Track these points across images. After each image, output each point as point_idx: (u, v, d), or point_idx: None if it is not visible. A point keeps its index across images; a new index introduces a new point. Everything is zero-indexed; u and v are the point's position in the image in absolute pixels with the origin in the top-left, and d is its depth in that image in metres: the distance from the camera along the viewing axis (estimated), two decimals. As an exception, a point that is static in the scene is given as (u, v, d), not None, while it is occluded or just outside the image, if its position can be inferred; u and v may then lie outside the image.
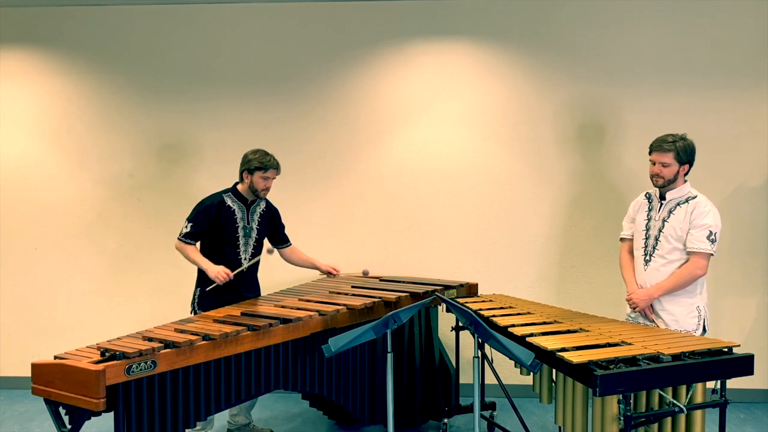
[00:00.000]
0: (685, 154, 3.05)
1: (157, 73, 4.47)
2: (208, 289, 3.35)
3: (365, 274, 3.95)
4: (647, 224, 3.19)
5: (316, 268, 3.85)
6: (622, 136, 4.25)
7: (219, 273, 3.28)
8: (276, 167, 3.45)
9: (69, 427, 2.40)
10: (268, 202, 3.63)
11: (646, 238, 3.18)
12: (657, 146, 3.09)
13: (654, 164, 3.10)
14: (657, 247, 3.12)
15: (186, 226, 3.36)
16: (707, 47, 4.19)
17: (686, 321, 3.03)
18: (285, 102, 4.43)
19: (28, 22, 4.49)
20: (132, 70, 4.47)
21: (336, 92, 4.41)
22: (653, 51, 4.22)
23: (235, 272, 3.35)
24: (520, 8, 4.28)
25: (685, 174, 3.11)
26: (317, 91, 4.41)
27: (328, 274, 3.87)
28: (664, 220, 3.10)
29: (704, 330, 3.06)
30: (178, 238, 3.38)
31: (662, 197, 3.14)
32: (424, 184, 4.39)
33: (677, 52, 4.21)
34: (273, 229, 3.68)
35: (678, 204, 3.07)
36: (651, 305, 3.14)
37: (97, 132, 4.50)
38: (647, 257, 3.17)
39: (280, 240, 3.75)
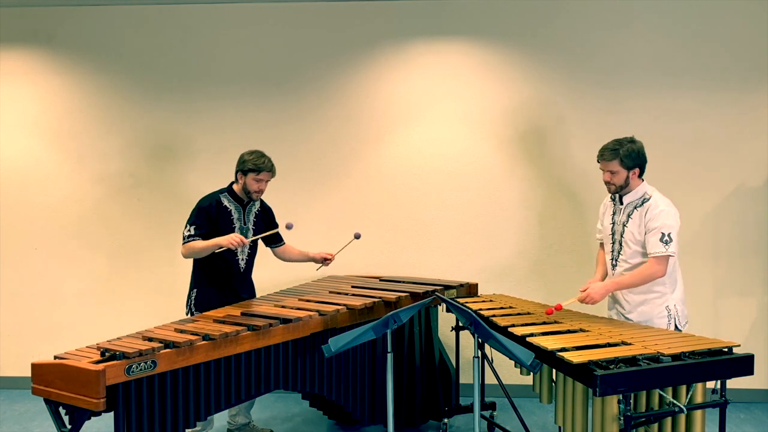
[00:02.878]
0: (630, 159, 3.00)
1: (157, 72, 4.47)
2: (218, 250, 3.25)
3: (357, 236, 3.79)
4: (612, 228, 3.18)
5: (310, 258, 3.77)
6: (620, 136, 4.24)
7: (232, 238, 3.21)
8: (270, 169, 3.42)
9: (69, 427, 2.40)
10: (262, 202, 3.62)
11: (612, 243, 3.17)
12: (600, 155, 3.07)
13: (604, 172, 3.08)
14: (621, 252, 3.10)
15: (188, 230, 3.33)
16: (707, 48, 4.19)
17: (656, 321, 3.01)
18: (285, 102, 4.43)
19: (28, 22, 4.49)
20: (132, 70, 4.47)
21: (336, 92, 4.41)
22: (654, 51, 4.22)
23: (251, 239, 3.39)
24: (520, 8, 4.28)
25: (640, 176, 3.07)
26: (317, 91, 4.41)
27: (323, 261, 3.75)
28: (624, 225, 3.08)
29: (677, 329, 3.02)
30: (183, 243, 3.33)
31: (621, 201, 3.12)
32: (425, 184, 4.39)
33: (678, 52, 4.21)
34: (267, 229, 3.66)
35: (635, 207, 3.05)
36: (621, 307, 3.12)
37: (97, 132, 4.50)
38: (614, 262, 3.16)
39: (274, 239, 3.74)
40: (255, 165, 3.37)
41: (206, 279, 3.41)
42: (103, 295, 4.52)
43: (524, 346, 2.48)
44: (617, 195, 3.13)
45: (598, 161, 3.12)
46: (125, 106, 4.48)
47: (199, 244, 3.28)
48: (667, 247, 2.91)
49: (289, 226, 3.59)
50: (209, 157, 4.45)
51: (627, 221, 3.08)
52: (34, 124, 4.52)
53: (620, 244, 3.11)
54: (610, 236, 3.19)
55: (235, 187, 3.47)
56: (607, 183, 3.10)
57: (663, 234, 2.93)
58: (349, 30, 4.38)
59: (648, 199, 3.04)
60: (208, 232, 3.34)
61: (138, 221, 4.50)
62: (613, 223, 3.17)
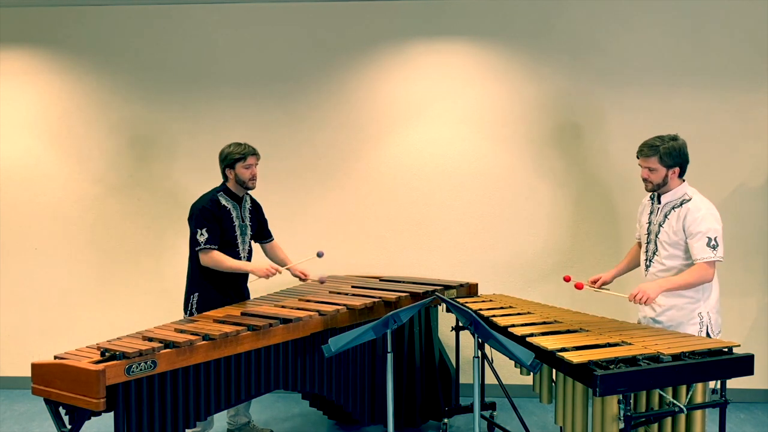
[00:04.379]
0: (670, 157, 2.93)
1: (156, 73, 4.46)
2: (251, 281, 3.49)
3: (319, 255, 3.58)
4: (648, 228, 3.11)
5: (288, 269, 3.63)
6: (622, 137, 4.25)
7: (269, 269, 3.31)
8: (254, 153, 3.43)
9: (69, 427, 2.41)
10: (251, 197, 3.62)
11: (648, 242, 3.09)
12: (640, 151, 3.01)
13: (642, 169, 3.02)
14: (656, 253, 3.03)
15: (201, 234, 3.28)
16: (708, 48, 4.19)
17: (687, 328, 2.94)
18: (285, 103, 4.43)
19: (28, 22, 4.49)
20: (132, 70, 4.47)
21: (336, 93, 4.41)
22: (654, 51, 4.22)
23: (285, 268, 3.50)
24: (520, 8, 4.28)
25: (680, 176, 3.00)
26: (317, 91, 4.41)
27: (298, 278, 3.65)
28: (660, 225, 3.02)
29: (708, 336, 2.95)
30: (201, 249, 3.28)
31: (659, 200, 3.06)
32: (425, 184, 4.39)
33: (678, 52, 4.21)
34: (259, 224, 3.66)
35: (673, 208, 2.98)
36: (652, 309, 3.05)
37: (96, 132, 4.50)
38: (648, 262, 3.09)
39: (264, 235, 3.71)
40: (240, 153, 3.38)
41: (209, 282, 3.38)
42: (103, 295, 4.52)
43: (524, 346, 2.49)
44: (656, 194, 3.06)
45: (637, 157, 3.04)
46: (125, 106, 4.48)
47: (227, 261, 3.29)
48: (715, 252, 2.84)
49: (320, 254, 3.61)
50: (210, 158, 4.43)
51: (663, 221, 3.00)
52: (34, 124, 4.52)
53: (655, 245, 3.04)
54: (646, 236, 3.11)
55: (228, 185, 3.47)
56: (644, 180, 3.02)
57: (710, 239, 2.85)
58: (349, 30, 4.38)
59: (687, 201, 2.95)
60: (218, 231, 3.33)
61: (138, 221, 4.50)
62: (650, 223, 3.10)
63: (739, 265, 4.23)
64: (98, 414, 2.34)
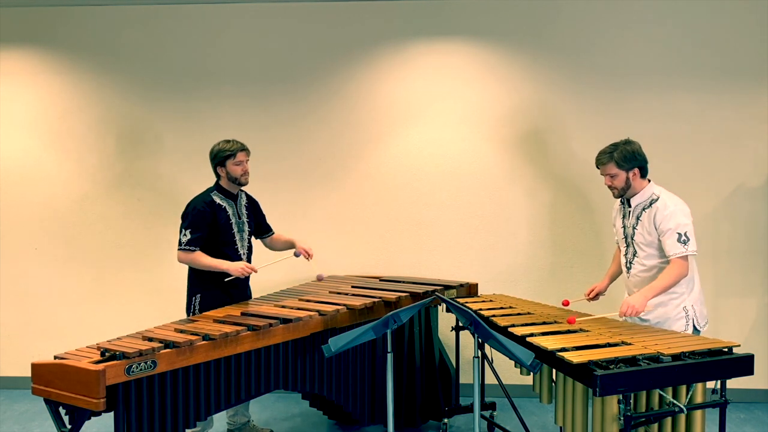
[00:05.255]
0: (626, 160, 3.00)
1: (157, 73, 4.46)
2: (227, 279, 3.31)
3: (319, 278, 3.77)
4: (624, 232, 3.17)
5: (293, 246, 3.66)
6: (620, 137, 4.22)
7: (244, 268, 3.28)
8: (243, 148, 3.42)
9: (69, 427, 2.41)
10: (246, 194, 3.61)
11: (627, 246, 3.16)
12: (597, 160, 3.08)
13: (604, 177, 3.09)
14: (636, 255, 3.09)
15: (184, 234, 3.29)
16: (707, 48, 4.19)
17: (673, 324, 2.98)
18: (286, 103, 4.42)
19: (28, 22, 4.49)
20: (132, 70, 4.47)
21: (336, 93, 4.41)
22: (654, 52, 4.22)
23: (261, 267, 3.40)
24: (520, 8, 4.28)
25: (642, 176, 3.05)
26: (318, 91, 4.41)
27: (304, 254, 3.60)
28: (634, 228, 3.08)
29: (695, 330, 3.00)
30: (180, 249, 3.29)
31: (629, 204, 3.11)
32: (425, 184, 4.39)
33: (678, 53, 4.21)
34: (257, 220, 3.66)
35: (643, 209, 3.04)
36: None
37: (96, 132, 4.50)
38: (628, 265, 3.15)
39: (264, 229, 3.71)
40: (229, 150, 3.38)
41: (210, 282, 3.37)
42: (103, 295, 4.52)
43: (524, 346, 2.49)
44: (624, 198, 3.12)
45: (597, 167, 3.12)
46: (125, 106, 4.48)
47: (204, 259, 3.29)
48: (686, 246, 2.90)
49: (320, 278, 3.71)
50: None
51: (636, 224, 3.06)
52: (34, 124, 4.52)
53: (633, 247, 3.10)
54: (623, 239, 3.18)
55: (221, 183, 3.46)
56: (609, 187, 3.10)
57: (679, 234, 2.91)
58: (349, 30, 4.38)
59: (656, 200, 3.01)
60: (204, 235, 3.32)
61: (138, 221, 4.50)
62: (624, 227, 3.16)
63: (739, 265, 4.23)
64: (98, 414, 2.34)
